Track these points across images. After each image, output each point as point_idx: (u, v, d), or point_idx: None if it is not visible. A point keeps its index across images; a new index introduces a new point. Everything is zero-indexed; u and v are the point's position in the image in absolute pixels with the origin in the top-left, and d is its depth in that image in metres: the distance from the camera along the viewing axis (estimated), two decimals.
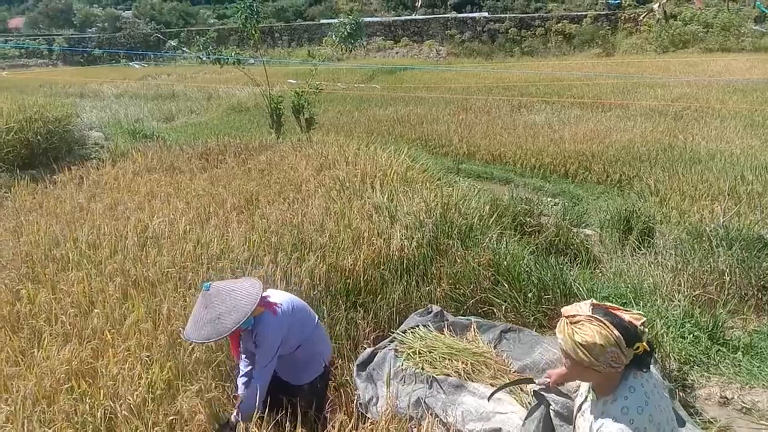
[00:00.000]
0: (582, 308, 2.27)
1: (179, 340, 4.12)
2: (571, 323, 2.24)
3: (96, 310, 4.38)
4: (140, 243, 5.64)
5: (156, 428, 3.19)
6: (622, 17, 41.86)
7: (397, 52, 45.06)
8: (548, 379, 2.86)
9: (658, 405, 2.26)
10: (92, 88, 29.31)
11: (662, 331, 4.74)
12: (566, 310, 2.29)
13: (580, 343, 2.19)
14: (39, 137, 9.72)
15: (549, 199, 10.10)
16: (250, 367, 3.39)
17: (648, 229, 7.56)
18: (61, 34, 56.90)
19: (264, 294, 3.37)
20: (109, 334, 4.11)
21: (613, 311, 2.27)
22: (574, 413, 2.55)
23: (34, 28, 61.33)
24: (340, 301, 4.92)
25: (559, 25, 43.56)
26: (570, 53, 41.54)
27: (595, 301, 2.32)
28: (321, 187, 7.01)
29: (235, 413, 3.28)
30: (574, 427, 2.53)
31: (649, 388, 2.27)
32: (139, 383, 3.57)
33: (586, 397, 2.44)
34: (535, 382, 3.04)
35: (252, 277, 3.51)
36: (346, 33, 12.38)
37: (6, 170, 8.85)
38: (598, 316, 2.21)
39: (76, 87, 29.71)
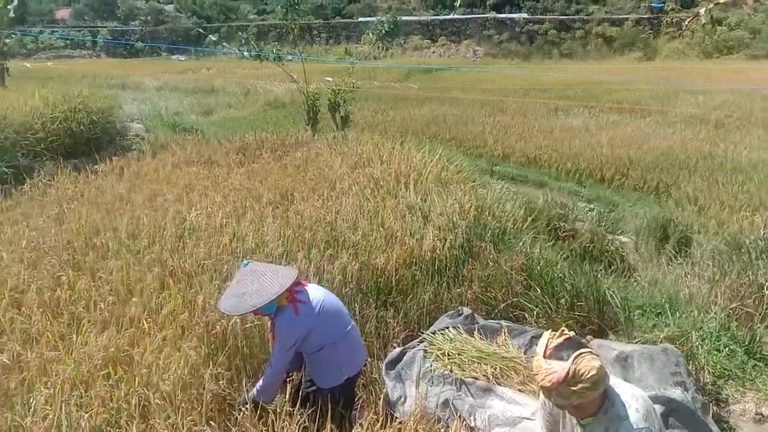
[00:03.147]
0: (560, 364, 2.29)
1: (213, 331, 4.21)
2: (571, 381, 2.25)
3: (134, 299, 4.49)
4: (178, 234, 5.75)
5: (188, 417, 3.25)
6: (665, 21, 41.04)
7: (433, 52, 44.97)
8: None
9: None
10: (134, 81, 29.92)
11: (697, 343, 4.66)
12: (556, 375, 2.29)
13: (587, 387, 2.23)
14: (82, 127, 9.98)
15: (584, 205, 10.00)
16: None
17: (685, 239, 7.43)
18: (105, 26, 58.18)
19: (301, 288, 3.41)
20: (146, 322, 4.20)
21: (565, 340, 2.33)
22: None
23: (80, 19, 62.79)
24: (371, 300, 4.94)
25: (600, 27, 42.96)
26: (610, 57, 40.90)
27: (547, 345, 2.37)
28: (355, 185, 7.04)
29: (253, 391, 3.41)
30: None
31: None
32: (174, 372, 3.65)
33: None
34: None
35: (292, 268, 3.57)
36: (383, 31, 12.41)
37: (50, 159, 9.11)
38: (577, 356, 2.26)
39: (118, 79, 30.35)
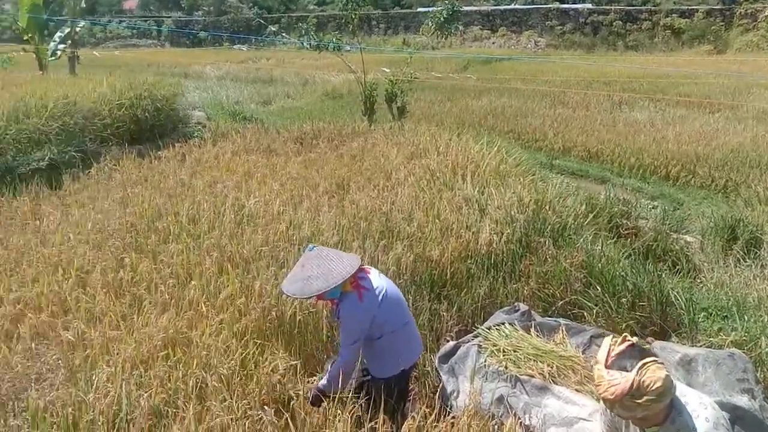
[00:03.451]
0: (624, 375, 2.18)
1: (269, 317, 4.26)
2: (636, 394, 2.15)
3: (193, 282, 4.58)
4: (236, 221, 5.85)
5: (243, 401, 3.29)
6: (739, 13, 39.08)
7: (493, 42, 44.22)
8: None
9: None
10: (196, 70, 30.62)
11: (767, 349, 4.42)
12: (619, 387, 2.18)
13: (653, 399, 2.13)
14: (147, 114, 10.26)
15: (647, 202, 9.66)
16: None
17: (755, 240, 7.06)
18: (169, 16, 59.73)
19: (364, 275, 3.39)
20: (204, 306, 4.29)
21: (628, 347, 2.22)
22: None
23: (146, 10, 64.73)
24: (425, 292, 4.90)
25: (668, 19, 41.26)
26: (678, 49, 39.27)
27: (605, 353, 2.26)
28: (411, 176, 7.00)
29: (323, 381, 3.40)
30: None
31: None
32: (231, 356, 3.70)
33: None
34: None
35: (355, 255, 3.56)
36: (442, 18, 12.26)
37: (116, 144, 9.40)
38: (642, 366, 2.16)
39: (181, 68, 31.12)
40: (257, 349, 3.91)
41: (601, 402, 2.55)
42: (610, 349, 2.24)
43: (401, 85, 12.41)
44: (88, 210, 6.37)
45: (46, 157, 8.16)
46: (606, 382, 2.18)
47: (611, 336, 2.32)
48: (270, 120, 14.51)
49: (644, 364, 2.13)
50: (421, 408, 3.84)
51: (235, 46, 48.28)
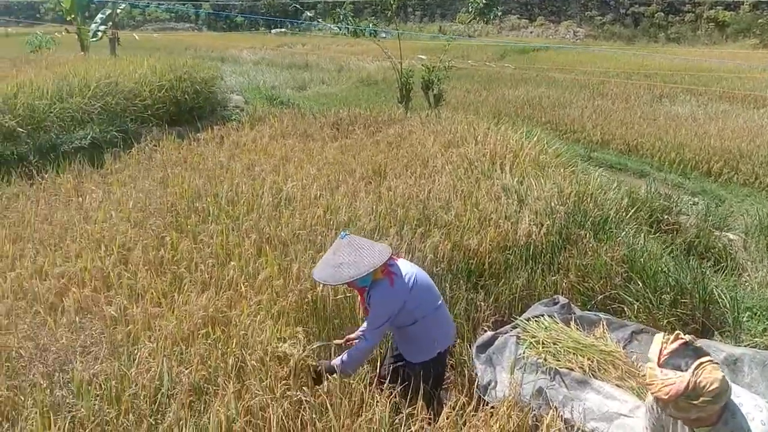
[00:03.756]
0: (678, 374, 2.11)
1: (306, 300, 4.28)
2: (692, 395, 2.08)
3: (232, 263, 4.62)
4: (274, 203, 5.88)
5: (282, 383, 3.31)
6: None
7: (531, 32, 43.62)
8: None
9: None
10: (232, 54, 30.88)
11: None
12: (674, 387, 2.11)
13: (709, 401, 2.06)
14: (186, 96, 10.37)
15: (688, 198, 9.45)
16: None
17: None
18: (207, 0, 60.22)
19: (392, 262, 3.40)
20: (243, 286, 4.32)
21: (681, 346, 2.14)
22: None
23: None
24: (462, 281, 4.87)
25: (712, 11, 40.16)
26: (721, 42, 38.23)
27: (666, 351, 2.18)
28: (448, 164, 6.94)
29: (338, 360, 3.41)
30: None
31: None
32: (268, 337, 3.73)
33: None
34: None
35: (385, 244, 3.58)
36: (480, 4, 12.08)
37: (156, 125, 9.52)
38: (698, 366, 2.08)
39: (218, 51, 31.41)
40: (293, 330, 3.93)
41: (647, 399, 2.50)
42: (662, 347, 2.18)
43: (438, 72, 12.31)
44: (129, 189, 6.47)
45: (89, 136, 8.31)
46: (659, 381, 2.12)
47: (663, 333, 2.25)
48: (306, 105, 14.54)
49: (700, 364, 2.06)
50: (458, 397, 3.84)
51: (272, 31, 48.46)
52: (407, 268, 3.50)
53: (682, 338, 2.21)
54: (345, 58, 28.04)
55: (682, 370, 2.12)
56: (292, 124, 9.81)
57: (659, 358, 2.18)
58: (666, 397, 2.10)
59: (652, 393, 2.19)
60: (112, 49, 17.23)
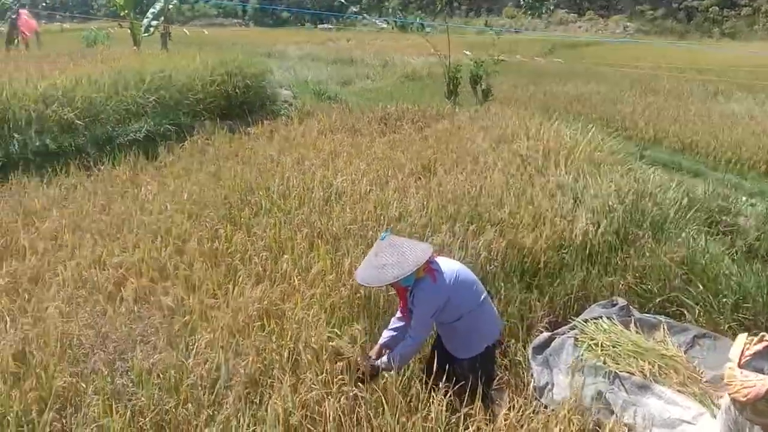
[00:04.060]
0: (759, 377, 2.00)
1: (358, 294, 4.27)
2: None
3: (285, 256, 4.64)
4: (325, 198, 5.89)
5: (338, 378, 3.30)
6: None
7: (579, 26, 42.70)
8: None
9: None
10: (278, 49, 31.08)
11: None
12: (754, 390, 2.00)
13: None
14: (237, 90, 10.48)
15: (745, 198, 9.09)
16: (400, 324, 3.55)
17: None
18: None
19: (433, 260, 3.37)
20: (297, 279, 4.33)
21: (765, 348, 2.02)
22: None
23: None
24: (515, 280, 4.78)
25: None
26: None
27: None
28: (499, 160, 6.83)
29: (384, 359, 3.41)
30: None
31: None
32: (322, 331, 3.73)
33: None
34: None
35: (427, 243, 3.58)
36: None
37: (207, 119, 9.66)
38: None
39: (265, 47, 31.67)
40: (346, 325, 3.93)
41: (723, 400, 2.40)
42: (744, 348, 2.08)
43: (487, 66, 12.16)
44: (184, 181, 6.58)
45: (143, 129, 8.50)
46: (738, 382, 2.03)
47: (746, 334, 2.15)
48: (352, 100, 14.55)
49: None
50: (512, 397, 3.77)
51: (320, 26, 48.75)
52: (449, 265, 3.49)
53: (767, 340, 2.10)
54: (389, 54, 27.92)
55: (764, 373, 2.03)
56: (340, 119, 9.83)
57: (740, 359, 2.09)
58: (744, 399, 2.01)
59: (730, 394, 2.10)
60: (164, 44, 17.57)
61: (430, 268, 3.32)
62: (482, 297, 3.55)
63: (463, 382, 3.25)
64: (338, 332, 3.80)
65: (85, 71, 9.16)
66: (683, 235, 5.37)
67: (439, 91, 14.98)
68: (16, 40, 17.24)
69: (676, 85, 17.91)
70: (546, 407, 3.50)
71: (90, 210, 5.84)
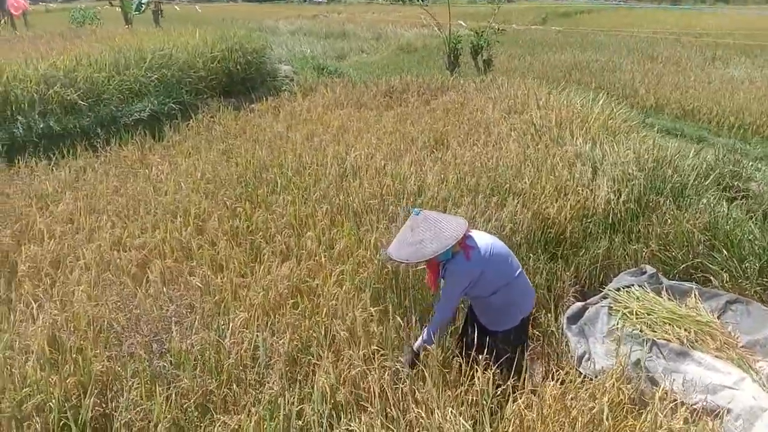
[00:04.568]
0: None
1: (386, 270, 4.23)
2: None
3: (309, 233, 4.59)
4: (340, 173, 5.82)
5: (380, 353, 3.28)
6: None
7: None
8: None
9: None
10: (269, 25, 30.60)
11: None
12: None
13: None
14: (239, 67, 10.31)
15: (751, 163, 9.08)
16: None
17: None
18: None
19: (468, 234, 3.32)
20: (324, 256, 4.29)
21: None
22: None
23: None
24: (539, 251, 4.76)
25: None
26: None
27: None
28: (513, 131, 6.77)
29: (419, 342, 3.39)
30: None
31: None
32: (355, 308, 3.70)
33: None
34: None
35: (460, 217, 3.53)
36: None
37: (210, 96, 9.50)
38: None
39: (254, 22, 31.18)
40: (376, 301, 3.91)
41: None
42: None
43: (488, 37, 12.02)
44: (194, 160, 6.49)
45: (147, 108, 8.34)
46: None
47: None
48: (353, 74, 14.36)
49: None
50: (550, 367, 3.78)
51: (305, 1, 47.99)
52: (484, 239, 3.42)
53: None
54: (382, 26, 27.59)
55: None
56: (344, 93, 9.70)
57: None
58: None
59: None
60: (155, 22, 17.28)
61: (465, 243, 3.27)
62: (518, 271, 3.52)
63: (497, 355, 3.24)
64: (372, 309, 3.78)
65: (84, 51, 8.96)
66: (704, 201, 5.35)
67: (436, 62, 14.82)
68: (2, 21, 16.91)
69: (673, 52, 17.81)
70: (583, 376, 3.51)
71: (104, 191, 5.75)
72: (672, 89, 13.40)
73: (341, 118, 7.99)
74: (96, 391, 3.13)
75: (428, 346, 3.34)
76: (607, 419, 2.78)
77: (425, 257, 3.14)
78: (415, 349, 3.40)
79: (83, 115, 7.77)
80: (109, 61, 8.57)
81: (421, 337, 3.43)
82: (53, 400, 3.02)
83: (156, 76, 8.77)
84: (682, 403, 3.20)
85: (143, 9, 17.21)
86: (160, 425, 2.85)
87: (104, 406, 3.13)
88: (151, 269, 4.24)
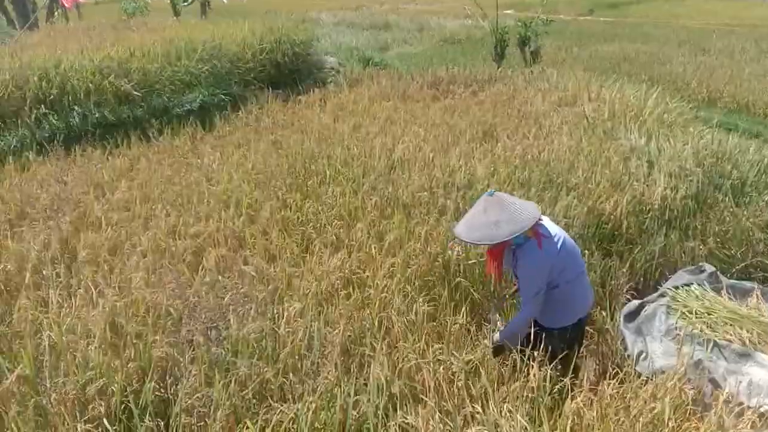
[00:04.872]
0: None
1: (437, 263, 4.21)
2: None
3: (359, 224, 4.60)
4: (389, 165, 5.81)
5: (436, 345, 3.27)
6: None
7: None
8: None
9: None
10: (311, 16, 30.71)
11: None
12: None
13: None
14: (286, 58, 10.38)
15: None
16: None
17: None
18: None
19: (540, 222, 3.24)
20: (374, 248, 4.29)
21: None
22: None
23: None
24: (594, 247, 4.66)
25: None
26: None
27: None
28: (564, 123, 6.64)
29: (497, 335, 3.36)
30: None
31: None
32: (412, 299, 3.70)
33: None
34: None
35: (532, 202, 3.42)
36: None
37: (258, 88, 9.59)
38: None
39: (298, 14, 31.32)
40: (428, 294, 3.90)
41: None
42: None
43: (536, 27, 11.82)
44: (245, 151, 6.56)
45: (198, 99, 8.48)
46: None
47: None
48: (401, 66, 14.31)
49: None
50: (605, 365, 3.71)
51: None
52: (555, 229, 3.31)
53: None
54: (424, 18, 27.41)
55: None
56: (390, 85, 9.67)
57: None
58: None
59: None
60: (203, 14, 17.53)
61: (536, 231, 3.17)
62: (582, 268, 3.43)
63: (552, 352, 3.17)
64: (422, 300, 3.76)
65: (137, 42, 9.15)
66: (765, 198, 5.16)
67: (480, 54, 14.65)
68: (56, 13, 17.37)
69: (726, 44, 17.26)
70: (639, 375, 3.43)
71: (158, 180, 5.87)
72: (725, 82, 13.01)
73: (388, 110, 7.98)
74: (156, 376, 3.20)
75: (509, 343, 3.30)
76: (670, 420, 2.72)
77: (500, 239, 3.04)
78: (498, 341, 3.35)
79: (136, 105, 7.94)
80: (161, 52, 8.73)
81: (499, 331, 3.39)
82: (115, 384, 3.09)
83: (206, 67, 8.90)
84: (748, 407, 3.10)
85: (191, 1, 17.47)
86: (219, 411, 2.89)
87: (163, 391, 3.19)
88: (206, 258, 4.31)
